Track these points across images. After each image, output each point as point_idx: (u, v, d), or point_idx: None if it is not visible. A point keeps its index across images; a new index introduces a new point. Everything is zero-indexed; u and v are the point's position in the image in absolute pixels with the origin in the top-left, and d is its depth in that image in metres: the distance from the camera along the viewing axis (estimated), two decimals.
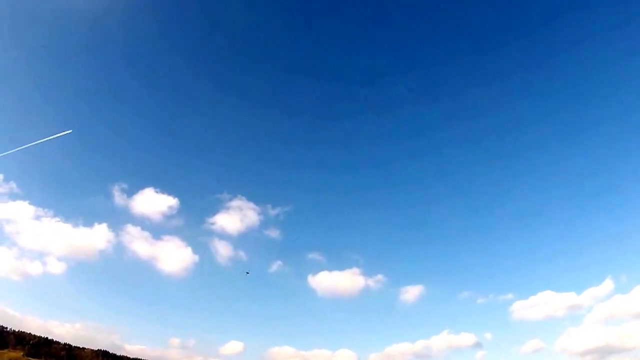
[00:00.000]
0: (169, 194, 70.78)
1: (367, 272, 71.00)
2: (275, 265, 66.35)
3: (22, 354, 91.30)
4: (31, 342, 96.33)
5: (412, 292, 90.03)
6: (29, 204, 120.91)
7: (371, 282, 71.09)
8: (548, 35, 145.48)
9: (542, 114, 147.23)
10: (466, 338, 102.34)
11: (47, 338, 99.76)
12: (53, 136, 48.29)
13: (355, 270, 68.52)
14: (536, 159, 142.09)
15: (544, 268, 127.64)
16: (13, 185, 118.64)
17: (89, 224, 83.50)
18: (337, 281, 69.17)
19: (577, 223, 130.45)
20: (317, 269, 69.57)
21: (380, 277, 73.26)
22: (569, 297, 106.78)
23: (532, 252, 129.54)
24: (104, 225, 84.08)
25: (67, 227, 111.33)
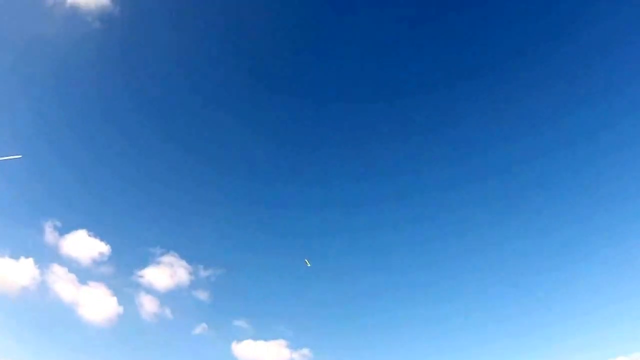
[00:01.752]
0: (102, 239, 64.62)
1: (294, 345, 67.41)
2: (200, 328, 61.93)
3: None
4: None
5: None
6: None
7: (297, 356, 67.43)
8: None
9: None
10: None
11: None
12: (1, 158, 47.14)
13: (282, 341, 64.57)
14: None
15: None
16: None
17: (15, 256, 73.35)
18: (261, 351, 65.43)
19: None
20: (242, 336, 65.17)
21: (306, 351, 69.62)
22: None
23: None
24: (30, 260, 73.63)
25: None
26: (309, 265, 68.44)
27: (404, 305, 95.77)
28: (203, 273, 71.75)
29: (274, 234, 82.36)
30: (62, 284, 73.75)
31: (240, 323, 71.13)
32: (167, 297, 70.76)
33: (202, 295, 70.64)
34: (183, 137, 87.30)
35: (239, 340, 68.25)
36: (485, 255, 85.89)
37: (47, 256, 76.71)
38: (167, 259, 71.47)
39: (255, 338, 67.60)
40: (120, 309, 68.13)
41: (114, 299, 67.24)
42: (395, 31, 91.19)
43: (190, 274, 71.93)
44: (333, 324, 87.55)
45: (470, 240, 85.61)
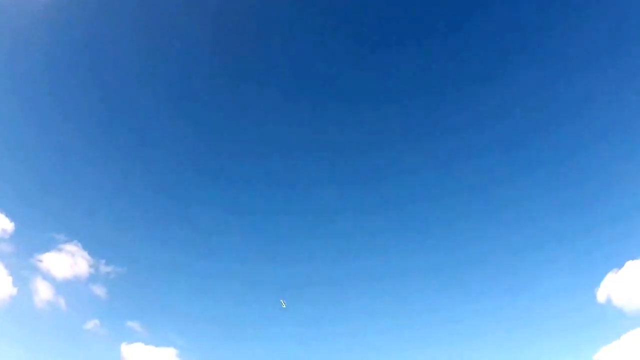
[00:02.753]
0: (7, 215, 62.71)
1: (183, 355, 63.28)
2: (92, 324, 58.74)
3: None
4: None
5: None
6: None
7: None
8: None
9: None
10: None
11: None
12: None
13: (172, 350, 60.57)
14: None
15: None
16: None
17: None
18: (150, 357, 61.87)
19: None
20: (133, 338, 61.83)
21: None
22: None
23: None
24: None
25: None
26: (284, 306, 63.66)
27: (307, 324, 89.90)
28: (104, 268, 67.75)
29: (185, 236, 78.61)
30: None
31: (133, 325, 66.33)
32: (63, 287, 66.58)
33: (99, 290, 66.18)
34: (104, 127, 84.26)
35: (130, 342, 63.89)
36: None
37: None
38: (70, 247, 67.66)
39: (146, 342, 63.59)
40: (14, 291, 64.60)
41: (10, 279, 64.26)
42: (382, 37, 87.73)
43: (91, 266, 67.91)
44: (228, 340, 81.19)
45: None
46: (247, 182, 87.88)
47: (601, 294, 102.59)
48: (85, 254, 71.83)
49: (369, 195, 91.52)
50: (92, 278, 71.16)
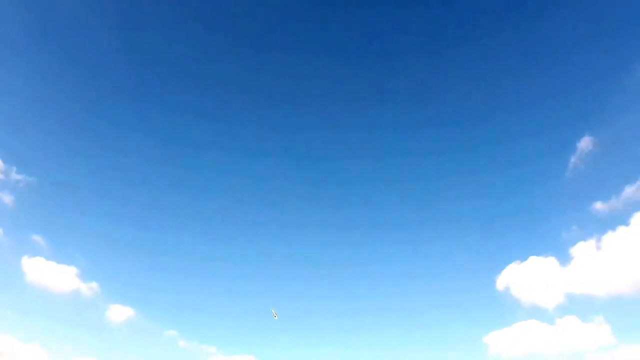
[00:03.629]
0: None
1: (84, 276, 63.88)
2: None
3: None
4: None
5: (121, 313, 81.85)
6: None
7: (84, 288, 63.40)
8: None
9: None
10: None
11: None
12: None
13: (73, 269, 60.48)
14: None
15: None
16: None
17: None
18: (50, 273, 61.54)
19: None
20: (35, 252, 61.87)
21: (94, 285, 66.16)
22: None
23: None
24: None
25: None
26: (275, 317, 64.72)
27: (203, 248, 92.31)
28: (14, 176, 66.34)
29: (103, 158, 76.68)
30: None
31: (37, 238, 65.91)
32: None
33: (7, 198, 65.29)
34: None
35: (31, 255, 63.73)
36: None
37: None
38: None
39: (47, 258, 62.62)
40: None
41: None
42: None
43: (1, 172, 67.04)
44: (131, 265, 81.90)
45: None
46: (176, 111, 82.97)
47: (501, 283, 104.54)
48: None
49: (365, 141, 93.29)
50: (1, 184, 69.84)
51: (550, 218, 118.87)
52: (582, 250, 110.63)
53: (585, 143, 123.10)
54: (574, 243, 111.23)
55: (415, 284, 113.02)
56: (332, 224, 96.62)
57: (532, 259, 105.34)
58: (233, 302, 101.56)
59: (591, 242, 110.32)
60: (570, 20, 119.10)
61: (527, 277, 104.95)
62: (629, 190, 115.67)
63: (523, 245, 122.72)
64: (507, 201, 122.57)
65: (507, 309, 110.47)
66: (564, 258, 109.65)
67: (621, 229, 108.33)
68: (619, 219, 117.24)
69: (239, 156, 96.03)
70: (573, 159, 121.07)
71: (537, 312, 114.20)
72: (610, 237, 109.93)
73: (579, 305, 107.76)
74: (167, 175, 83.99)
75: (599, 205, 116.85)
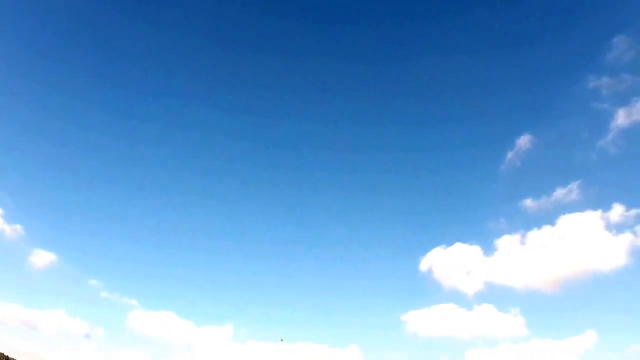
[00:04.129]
0: None
1: (9, 218, 64.70)
2: None
3: None
4: None
5: (44, 258, 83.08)
6: None
7: (8, 229, 64.41)
8: None
9: None
10: (79, 325, 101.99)
11: None
12: None
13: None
14: None
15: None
16: None
17: None
18: None
19: None
20: None
21: (19, 227, 66.84)
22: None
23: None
24: None
25: None
26: (282, 340, 65.40)
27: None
28: None
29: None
30: None
31: None
32: None
33: None
34: None
35: None
36: None
37: None
38: None
39: None
40: None
41: None
42: None
43: None
44: (59, 208, 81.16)
45: None
46: None
47: (424, 265, 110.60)
48: None
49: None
50: None
51: (479, 208, 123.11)
52: (506, 243, 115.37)
53: (524, 141, 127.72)
54: (499, 235, 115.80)
55: (345, 263, 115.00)
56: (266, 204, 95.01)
57: (458, 245, 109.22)
58: (158, 257, 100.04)
59: (516, 237, 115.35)
60: (521, 16, 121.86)
61: (451, 261, 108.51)
62: (559, 192, 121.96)
63: (450, 230, 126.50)
64: (440, 187, 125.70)
65: (427, 291, 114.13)
66: (489, 248, 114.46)
67: (547, 228, 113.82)
68: (546, 218, 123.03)
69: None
70: (510, 155, 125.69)
71: (456, 297, 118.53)
72: (535, 235, 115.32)
73: (497, 295, 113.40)
74: (101, 122, 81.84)
75: (529, 203, 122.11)
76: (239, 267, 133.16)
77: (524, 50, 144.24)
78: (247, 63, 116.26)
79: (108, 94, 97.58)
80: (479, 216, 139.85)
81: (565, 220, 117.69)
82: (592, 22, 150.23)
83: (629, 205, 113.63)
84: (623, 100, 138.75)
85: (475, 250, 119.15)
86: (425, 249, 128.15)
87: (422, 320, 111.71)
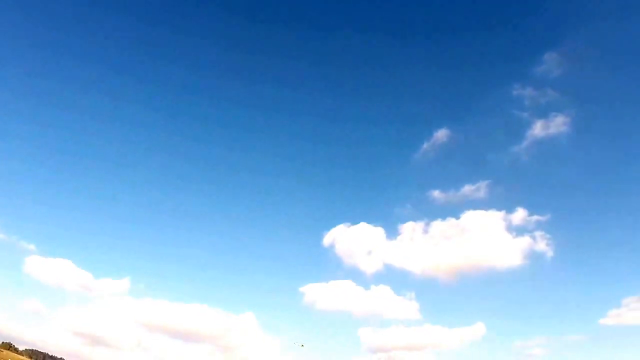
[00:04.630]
0: None
1: None
2: None
3: None
4: None
5: None
6: None
7: None
8: None
9: None
10: None
11: None
12: None
13: None
14: None
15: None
16: None
17: None
18: None
19: None
20: None
21: None
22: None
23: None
24: None
25: None
26: (302, 346, 70.95)
27: None
28: None
29: None
30: None
31: None
32: None
33: None
34: None
35: None
36: None
37: None
38: None
39: None
40: None
41: None
42: None
43: None
44: None
45: None
46: None
47: (327, 240, 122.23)
48: None
49: None
50: None
51: (388, 191, 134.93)
52: (410, 229, 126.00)
53: (441, 134, 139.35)
54: (404, 221, 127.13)
55: (249, 229, 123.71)
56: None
57: (362, 225, 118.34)
58: (60, 201, 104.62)
59: (420, 224, 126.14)
60: (459, 13, 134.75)
61: (354, 240, 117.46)
62: (468, 189, 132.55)
63: (357, 209, 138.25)
64: (353, 167, 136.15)
65: (328, 266, 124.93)
66: (392, 231, 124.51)
67: (451, 221, 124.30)
68: (452, 211, 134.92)
69: None
70: (426, 145, 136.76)
71: (355, 275, 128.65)
72: (439, 225, 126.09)
73: (395, 278, 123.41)
74: None
75: (437, 194, 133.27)
76: (144, 220, 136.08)
77: (458, 47, 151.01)
78: None
79: None
80: (387, 200, 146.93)
81: (470, 216, 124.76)
82: (528, 32, 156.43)
83: (531, 211, 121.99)
84: (543, 112, 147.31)
85: (379, 231, 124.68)
86: (331, 224, 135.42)
87: (320, 294, 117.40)
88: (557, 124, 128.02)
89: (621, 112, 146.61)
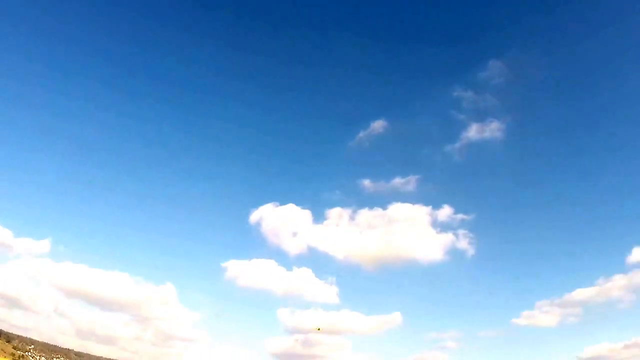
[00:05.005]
0: None
1: None
2: None
3: None
4: None
5: None
6: None
7: None
8: None
9: None
10: None
11: None
12: None
13: None
14: None
15: None
16: None
17: None
18: None
19: None
20: None
21: None
22: None
23: None
24: None
25: None
26: (319, 329, 72.58)
27: None
28: None
29: None
30: None
31: None
32: None
33: None
34: None
35: None
36: None
37: None
38: None
39: None
40: None
41: None
42: None
43: None
44: None
45: None
46: None
47: (254, 217, 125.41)
48: None
49: None
50: None
51: (320, 175, 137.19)
52: (337, 214, 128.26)
53: (378, 125, 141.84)
54: (332, 206, 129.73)
55: (175, 200, 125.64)
56: None
57: (290, 206, 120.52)
58: None
59: (347, 211, 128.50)
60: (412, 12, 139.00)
61: (280, 220, 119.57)
62: (397, 181, 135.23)
63: (286, 190, 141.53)
64: (287, 149, 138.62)
65: (252, 243, 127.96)
66: (319, 215, 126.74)
67: (378, 211, 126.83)
68: (379, 201, 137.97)
69: None
70: (361, 134, 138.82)
71: (278, 255, 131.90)
72: (366, 214, 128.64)
73: (317, 261, 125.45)
74: None
75: (366, 183, 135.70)
76: (70, 180, 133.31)
77: (410, 50, 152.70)
78: None
79: None
80: (318, 184, 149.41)
81: (397, 208, 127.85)
82: (477, 37, 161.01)
83: (457, 210, 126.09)
84: (479, 116, 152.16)
85: (306, 214, 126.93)
86: (259, 202, 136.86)
87: (242, 271, 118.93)
88: (491, 129, 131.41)
89: (554, 125, 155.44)
